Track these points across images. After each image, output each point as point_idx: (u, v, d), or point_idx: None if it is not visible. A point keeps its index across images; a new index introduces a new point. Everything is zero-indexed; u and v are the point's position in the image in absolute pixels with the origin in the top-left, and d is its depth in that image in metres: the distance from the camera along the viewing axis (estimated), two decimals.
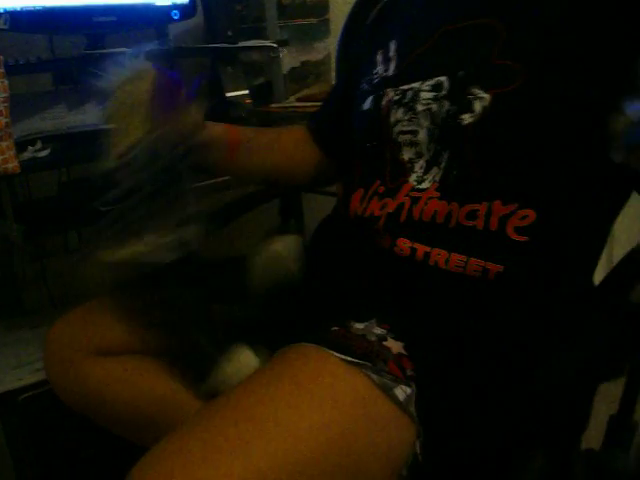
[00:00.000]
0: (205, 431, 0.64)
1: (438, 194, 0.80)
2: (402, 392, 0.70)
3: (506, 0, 0.84)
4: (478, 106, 0.77)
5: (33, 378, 1.28)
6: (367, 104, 0.91)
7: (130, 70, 0.84)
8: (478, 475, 0.78)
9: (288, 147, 1.10)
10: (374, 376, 0.69)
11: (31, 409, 1.27)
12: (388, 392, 0.69)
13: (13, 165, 1.11)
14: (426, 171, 0.82)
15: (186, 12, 1.67)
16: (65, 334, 0.93)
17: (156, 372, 0.91)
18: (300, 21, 1.96)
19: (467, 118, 0.78)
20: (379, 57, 0.95)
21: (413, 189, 0.83)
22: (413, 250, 0.81)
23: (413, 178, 0.83)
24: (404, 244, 0.81)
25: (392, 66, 0.92)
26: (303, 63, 1.96)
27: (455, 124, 0.79)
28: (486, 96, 0.77)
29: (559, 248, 0.80)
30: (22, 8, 1.38)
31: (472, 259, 0.77)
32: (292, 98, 1.85)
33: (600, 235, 0.85)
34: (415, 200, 0.82)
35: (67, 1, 1.46)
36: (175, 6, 1.64)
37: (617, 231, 0.90)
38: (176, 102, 0.84)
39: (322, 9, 1.94)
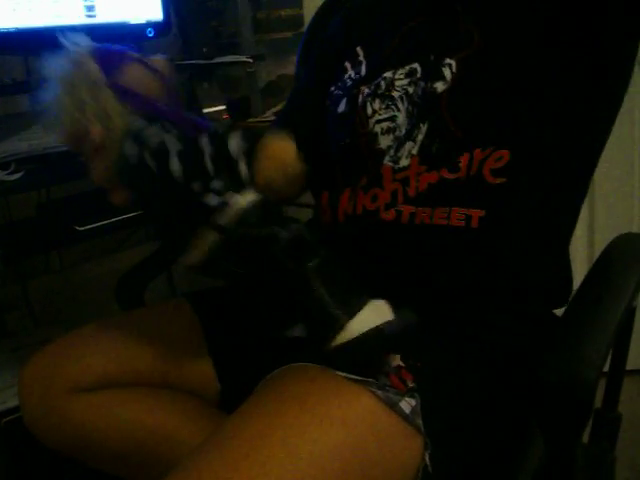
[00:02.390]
0: (216, 466, 0.62)
1: (424, 167, 0.81)
2: (407, 405, 0.69)
3: None
4: (447, 72, 0.80)
5: (15, 402, 1.25)
6: (342, 106, 0.91)
7: (67, 56, 0.75)
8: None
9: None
10: (378, 392, 0.69)
11: (14, 433, 1.25)
12: (394, 407, 0.69)
13: None
14: (398, 148, 0.83)
15: (161, 30, 1.67)
16: (40, 370, 0.89)
17: (146, 404, 0.88)
18: (275, 35, 1.97)
19: (440, 86, 0.80)
20: (347, 64, 0.96)
21: (394, 171, 0.83)
22: (398, 213, 0.81)
23: (387, 160, 0.84)
24: (390, 210, 0.82)
25: (363, 69, 0.92)
26: (279, 77, 1.97)
27: (430, 94, 0.81)
28: (452, 62, 0.80)
29: (536, 188, 0.81)
30: None
31: (454, 208, 0.79)
32: (269, 112, 1.85)
33: (579, 177, 0.86)
34: (406, 182, 0.82)
35: (41, 22, 1.46)
36: (150, 24, 1.64)
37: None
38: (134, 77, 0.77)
39: (297, 23, 1.96)
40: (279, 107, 1.86)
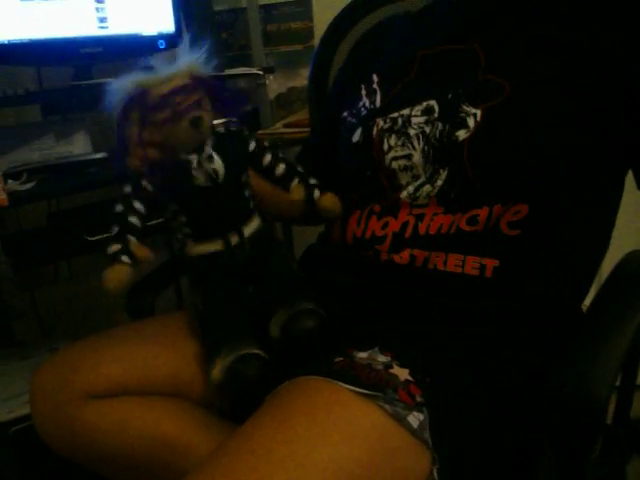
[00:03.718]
0: (224, 478, 0.62)
1: (442, 209, 0.82)
2: (415, 419, 0.69)
3: (481, 25, 0.87)
4: (471, 121, 0.80)
5: (24, 410, 1.27)
6: (356, 136, 0.92)
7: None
8: None
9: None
10: (386, 406, 0.68)
11: (23, 442, 1.26)
12: (402, 421, 0.68)
13: (1, 198, 1.11)
14: (417, 189, 0.83)
15: (172, 41, 1.68)
16: (52, 377, 0.88)
17: (156, 413, 0.87)
18: (285, 48, 1.98)
19: (462, 134, 0.80)
20: (363, 91, 0.96)
21: (412, 206, 0.84)
22: (412, 257, 0.82)
23: (404, 195, 0.85)
24: (404, 253, 0.82)
25: (378, 98, 0.93)
26: (289, 89, 1.98)
27: (451, 141, 0.81)
28: (477, 111, 0.80)
29: (552, 241, 0.82)
30: (9, 41, 1.39)
31: (469, 257, 0.79)
32: (279, 124, 1.86)
33: (597, 233, 0.87)
34: (420, 217, 0.83)
35: (54, 33, 1.47)
36: (161, 36, 1.66)
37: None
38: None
39: (307, 36, 1.97)
40: (289, 118, 1.87)
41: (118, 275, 0.79)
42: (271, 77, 1.94)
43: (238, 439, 0.67)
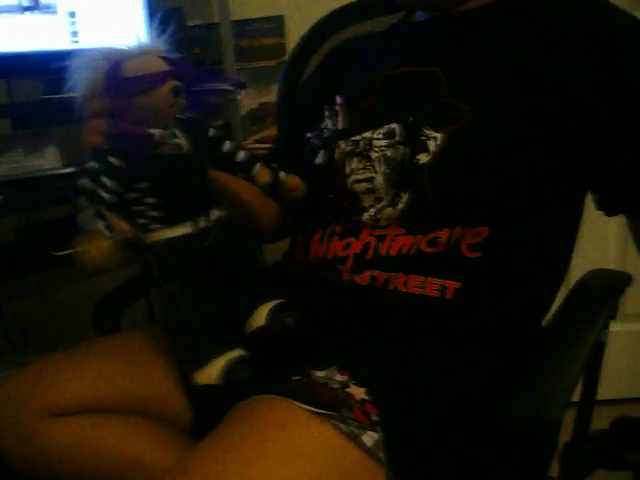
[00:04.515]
0: None
1: (403, 230, 0.83)
2: (369, 438, 0.69)
3: (443, 48, 0.89)
4: (432, 145, 0.81)
5: None
6: (319, 158, 0.93)
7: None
8: None
9: (256, 191, 1.09)
10: (341, 425, 0.69)
11: None
12: (356, 440, 0.69)
13: None
14: (379, 211, 0.84)
15: None
16: (14, 394, 0.87)
17: (118, 431, 0.87)
18: (258, 63, 1.99)
19: (423, 158, 0.81)
20: (326, 112, 0.98)
21: (373, 227, 0.85)
22: (373, 278, 0.83)
23: (366, 217, 0.85)
24: (365, 274, 0.83)
25: (340, 120, 0.94)
26: (261, 105, 1.99)
27: (413, 165, 0.82)
28: (437, 135, 0.81)
29: (513, 262, 0.83)
30: None
31: (430, 278, 0.80)
32: (250, 140, 1.87)
33: (557, 254, 0.89)
34: (381, 238, 0.84)
35: (24, 47, 1.47)
36: None
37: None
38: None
39: (279, 51, 1.98)
40: (261, 134, 1.88)
41: (101, 249, 0.73)
42: (243, 92, 1.95)
43: (193, 457, 0.68)
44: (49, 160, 1.50)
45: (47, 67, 1.50)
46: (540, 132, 0.79)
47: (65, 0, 1.51)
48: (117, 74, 0.80)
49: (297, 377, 0.76)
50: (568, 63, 0.79)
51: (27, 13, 1.45)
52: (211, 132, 0.90)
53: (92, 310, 1.13)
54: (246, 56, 1.99)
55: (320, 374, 0.76)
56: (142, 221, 0.84)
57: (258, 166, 0.91)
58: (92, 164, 0.79)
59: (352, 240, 0.86)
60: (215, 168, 0.91)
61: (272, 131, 1.82)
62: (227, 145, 0.90)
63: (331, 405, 0.70)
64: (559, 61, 0.80)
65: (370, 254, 0.84)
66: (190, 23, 1.91)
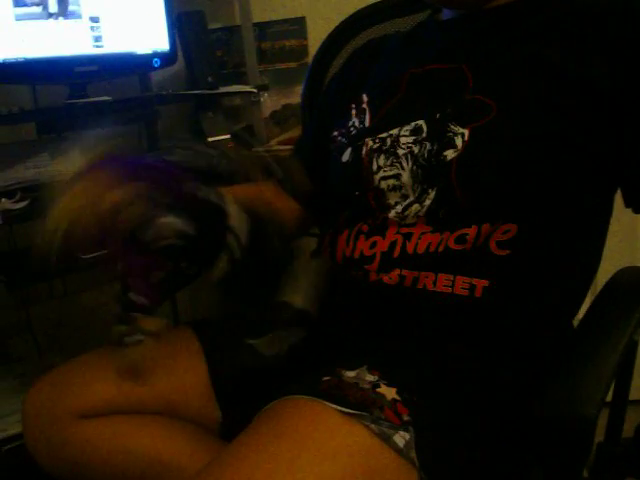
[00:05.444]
0: None
1: (430, 228, 0.82)
2: (401, 438, 0.69)
3: (468, 45, 0.89)
4: (459, 141, 0.80)
5: (17, 429, 1.26)
6: (346, 156, 0.92)
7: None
8: None
9: (270, 198, 1.10)
10: (372, 425, 0.68)
11: (15, 461, 1.25)
12: (387, 440, 0.68)
13: None
14: (406, 208, 0.84)
15: (167, 60, 1.70)
16: (44, 397, 0.88)
17: (149, 432, 0.88)
18: (280, 65, 1.99)
19: (450, 154, 0.80)
20: (353, 110, 0.97)
21: (400, 225, 0.84)
22: (401, 277, 0.82)
23: (392, 214, 0.85)
24: (393, 273, 0.82)
25: (367, 117, 0.94)
26: (284, 106, 1.99)
27: (439, 161, 0.81)
28: (465, 131, 0.80)
29: (542, 261, 0.82)
30: (4, 60, 1.40)
31: (459, 276, 0.80)
32: (273, 141, 1.87)
33: (586, 252, 0.88)
34: (408, 236, 0.83)
35: (49, 52, 1.48)
36: (156, 54, 1.67)
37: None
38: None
39: (301, 53, 1.98)
40: (284, 136, 1.88)
41: (137, 357, 0.80)
42: (266, 94, 1.95)
43: (224, 459, 0.68)
44: (74, 164, 1.51)
45: (71, 72, 1.52)
46: (566, 127, 0.78)
47: (89, 5, 1.52)
48: None
49: (327, 377, 0.75)
50: (592, 59, 0.78)
51: (51, 19, 1.46)
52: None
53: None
54: (268, 58, 1.99)
55: (351, 374, 0.75)
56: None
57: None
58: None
59: (378, 239, 0.85)
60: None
61: (295, 132, 1.83)
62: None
63: (362, 405, 0.70)
64: (583, 57, 0.79)
65: (397, 252, 0.83)
66: (211, 26, 1.92)
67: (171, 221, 0.76)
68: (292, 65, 1.99)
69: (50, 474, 0.89)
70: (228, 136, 1.77)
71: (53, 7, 1.46)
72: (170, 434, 0.87)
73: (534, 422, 0.64)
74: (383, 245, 0.84)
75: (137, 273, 0.79)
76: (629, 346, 0.76)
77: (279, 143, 1.84)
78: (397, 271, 0.82)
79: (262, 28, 1.98)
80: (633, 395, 0.92)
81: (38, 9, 1.44)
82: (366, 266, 0.85)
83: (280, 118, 1.98)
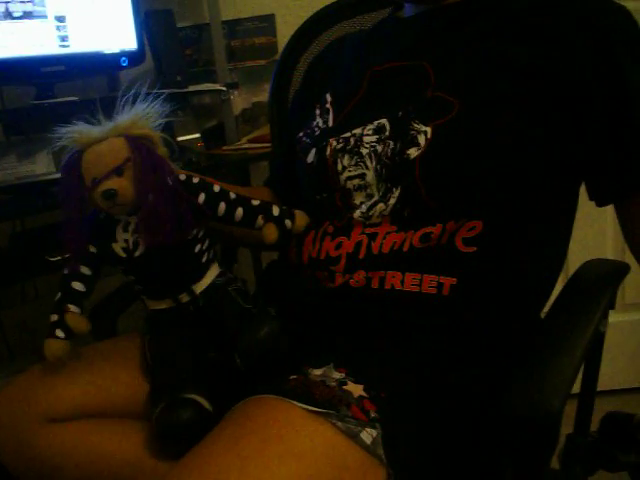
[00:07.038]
0: None
1: (395, 227, 0.82)
2: (368, 435, 0.69)
3: (431, 42, 0.89)
4: (422, 139, 0.80)
5: None
6: (310, 157, 0.92)
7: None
8: None
9: None
10: (339, 423, 0.68)
11: None
12: (354, 438, 0.68)
13: None
14: (370, 208, 0.84)
15: (135, 59, 1.68)
16: (11, 400, 0.87)
17: (117, 434, 0.87)
18: (250, 63, 1.99)
19: (414, 152, 0.80)
20: (317, 110, 0.97)
21: (365, 225, 0.84)
22: (368, 279, 0.82)
23: (357, 214, 0.85)
24: (359, 275, 0.82)
25: (330, 117, 0.94)
26: (254, 104, 1.99)
27: (403, 160, 0.81)
28: (427, 129, 0.80)
29: (508, 257, 0.83)
30: None
31: (426, 275, 0.80)
32: (244, 139, 1.87)
33: (552, 246, 0.89)
34: (373, 236, 0.83)
35: (15, 52, 1.46)
36: (123, 53, 1.65)
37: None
38: None
39: (271, 51, 1.98)
40: (254, 134, 1.88)
41: (53, 351, 0.82)
42: (235, 92, 1.95)
43: (191, 459, 0.68)
44: (42, 166, 1.50)
45: (38, 72, 1.51)
46: (528, 123, 0.79)
47: (54, 5, 1.51)
48: (70, 168, 0.81)
49: (294, 376, 0.75)
50: (552, 53, 0.79)
51: (16, 19, 1.44)
52: (201, 198, 0.83)
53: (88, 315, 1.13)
54: (238, 56, 1.99)
55: (317, 372, 0.75)
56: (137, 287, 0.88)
57: (261, 221, 0.85)
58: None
59: (344, 239, 0.85)
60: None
61: (266, 130, 1.82)
62: (222, 208, 0.84)
63: (329, 403, 0.70)
64: (543, 51, 0.79)
65: (363, 253, 0.83)
66: (180, 24, 1.90)
67: None
68: (262, 63, 1.98)
69: (18, 477, 0.88)
70: (198, 135, 1.77)
71: (16, 7, 1.44)
72: (139, 438, 0.87)
73: (501, 414, 0.65)
74: (349, 246, 0.84)
75: None
76: (595, 338, 0.77)
77: (250, 141, 1.84)
78: (363, 273, 0.82)
79: (231, 26, 1.98)
80: (601, 386, 0.93)
81: (1, 9, 1.42)
82: (332, 267, 0.85)
83: (250, 116, 1.98)
